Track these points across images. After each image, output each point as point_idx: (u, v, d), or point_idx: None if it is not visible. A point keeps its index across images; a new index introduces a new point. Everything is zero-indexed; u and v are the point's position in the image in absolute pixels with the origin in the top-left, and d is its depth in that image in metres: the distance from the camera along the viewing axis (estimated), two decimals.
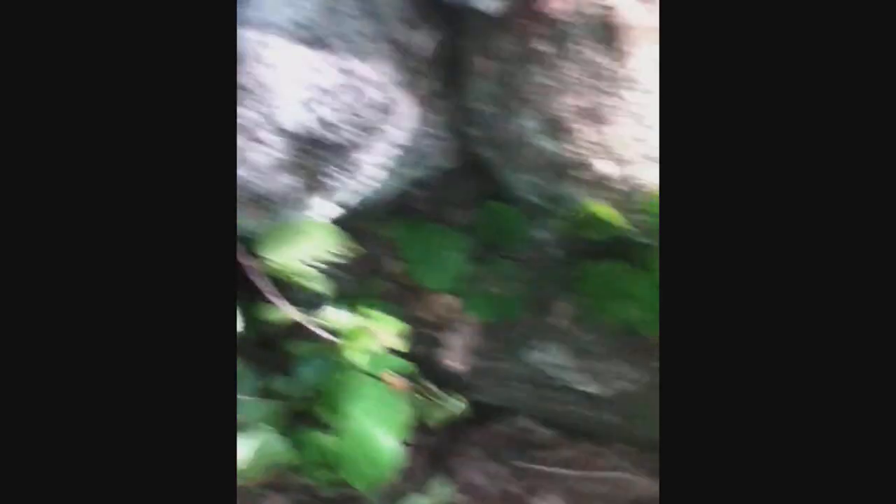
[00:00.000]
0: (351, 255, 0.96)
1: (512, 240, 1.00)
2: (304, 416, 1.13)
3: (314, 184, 0.89)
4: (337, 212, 0.95)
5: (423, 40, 0.86)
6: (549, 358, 1.03)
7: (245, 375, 1.13)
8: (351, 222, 1.01)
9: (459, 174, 0.99)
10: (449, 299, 1.05)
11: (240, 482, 1.07)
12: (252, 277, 0.95)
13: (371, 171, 0.90)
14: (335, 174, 0.89)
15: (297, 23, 0.82)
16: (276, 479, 1.18)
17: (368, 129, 0.86)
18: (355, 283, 1.06)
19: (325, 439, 0.96)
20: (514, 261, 1.00)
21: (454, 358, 1.06)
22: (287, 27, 0.82)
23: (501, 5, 0.77)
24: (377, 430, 0.94)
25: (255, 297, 1.13)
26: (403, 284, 1.06)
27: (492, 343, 1.06)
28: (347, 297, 1.05)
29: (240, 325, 0.98)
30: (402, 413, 0.95)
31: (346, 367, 0.98)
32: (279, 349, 1.09)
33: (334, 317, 1.00)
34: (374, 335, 0.99)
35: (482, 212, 1.01)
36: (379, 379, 0.97)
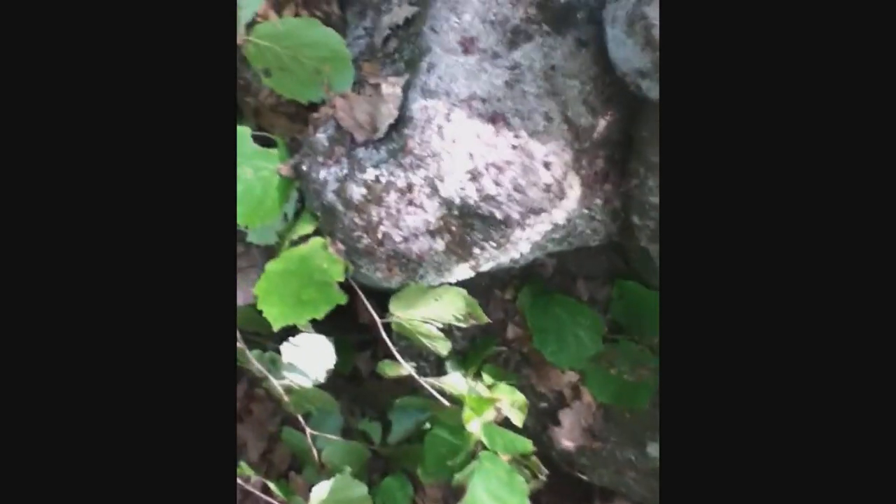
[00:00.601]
0: (477, 322, 0.93)
1: (647, 324, 0.96)
2: (393, 467, 1.11)
3: (461, 252, 0.87)
4: (469, 274, 0.92)
5: (601, 125, 0.82)
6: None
7: (337, 416, 1.11)
8: (480, 285, 0.98)
9: (599, 251, 0.96)
10: (569, 374, 1.03)
11: None
12: (375, 330, 0.92)
13: (521, 245, 0.87)
14: (484, 245, 0.86)
15: (478, 96, 0.79)
16: None
17: (530, 208, 0.83)
18: (476, 346, 1.03)
19: None
20: (647, 346, 0.97)
21: (565, 435, 1.03)
22: (467, 99, 0.79)
23: None
24: None
25: (370, 346, 1.11)
26: (523, 353, 1.04)
27: (606, 426, 1.03)
28: (466, 361, 1.02)
29: (339, 364, 0.96)
30: (522, 493, 0.92)
31: (464, 435, 0.96)
32: (386, 400, 1.07)
33: (452, 381, 0.98)
34: (493, 404, 0.96)
35: (616, 290, 0.98)
36: (495, 452, 0.94)
